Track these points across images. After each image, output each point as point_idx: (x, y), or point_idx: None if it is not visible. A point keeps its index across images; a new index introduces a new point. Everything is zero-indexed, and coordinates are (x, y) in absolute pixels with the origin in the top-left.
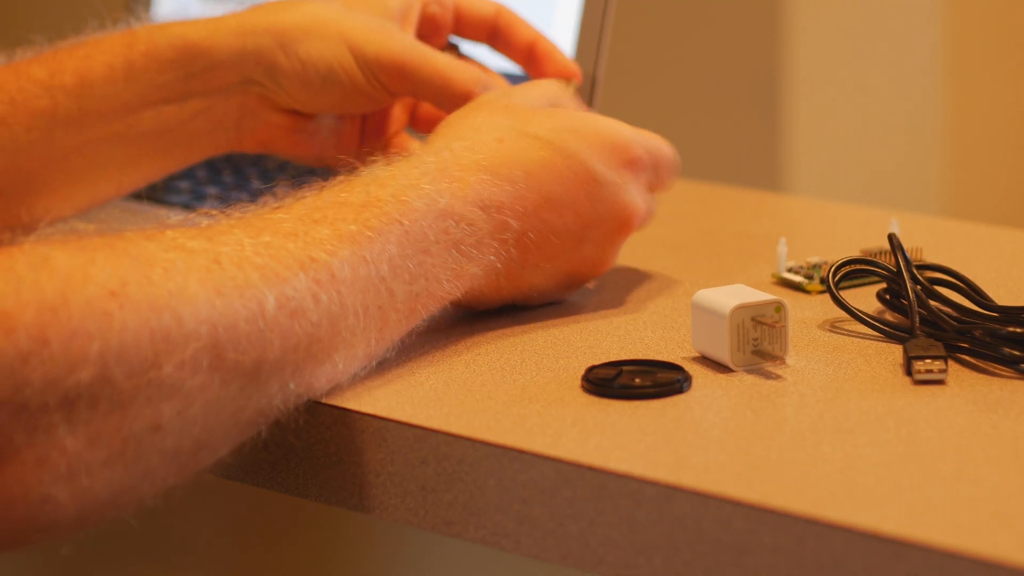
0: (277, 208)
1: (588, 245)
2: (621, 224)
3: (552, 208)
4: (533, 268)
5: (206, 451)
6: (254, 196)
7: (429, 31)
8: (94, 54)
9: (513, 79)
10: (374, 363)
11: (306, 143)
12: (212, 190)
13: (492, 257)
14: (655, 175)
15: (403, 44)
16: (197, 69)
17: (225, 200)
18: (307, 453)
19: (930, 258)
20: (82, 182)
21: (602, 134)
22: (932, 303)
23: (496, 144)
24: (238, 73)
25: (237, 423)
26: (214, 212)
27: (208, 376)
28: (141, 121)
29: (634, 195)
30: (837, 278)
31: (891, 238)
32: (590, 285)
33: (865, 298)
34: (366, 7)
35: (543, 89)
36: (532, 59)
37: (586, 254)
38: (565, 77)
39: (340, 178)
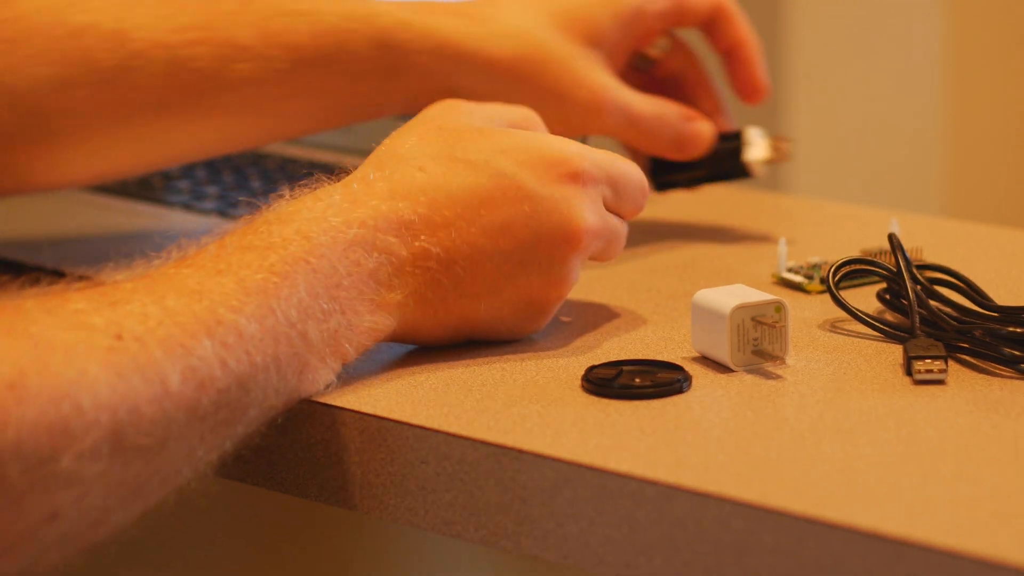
0: (181, 260)
1: (533, 268)
2: (566, 241)
3: (483, 233)
4: (474, 297)
5: (104, 528)
6: (254, 196)
7: (642, 39)
8: (312, 36)
9: None
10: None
11: None
12: (212, 190)
13: (419, 286)
14: (613, 193)
15: (610, 104)
16: (410, 76)
17: (225, 199)
18: (307, 453)
19: (930, 258)
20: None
21: (536, 150)
22: (932, 303)
23: (417, 172)
24: (447, 91)
25: (139, 497)
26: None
27: (109, 462)
28: (343, 100)
29: (579, 209)
30: (837, 278)
31: (891, 238)
32: (566, 319)
33: (865, 298)
34: (583, 34)
35: (506, 112)
36: (729, 60)
37: (533, 279)
38: (748, 91)
39: (244, 218)
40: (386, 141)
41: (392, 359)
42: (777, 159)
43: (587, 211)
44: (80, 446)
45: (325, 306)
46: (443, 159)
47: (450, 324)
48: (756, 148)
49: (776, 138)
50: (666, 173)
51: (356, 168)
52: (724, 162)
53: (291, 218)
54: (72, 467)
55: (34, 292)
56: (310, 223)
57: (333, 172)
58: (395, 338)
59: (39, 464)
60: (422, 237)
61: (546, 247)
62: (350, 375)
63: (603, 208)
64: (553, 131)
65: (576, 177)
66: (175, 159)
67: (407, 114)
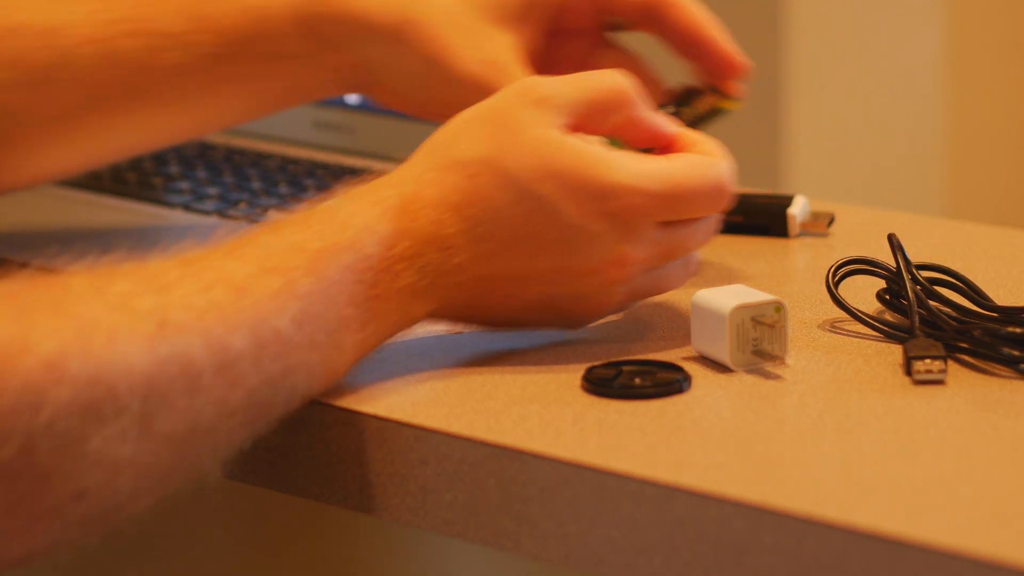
0: (232, 250)
1: (565, 291)
2: (600, 273)
3: (516, 254)
4: (500, 309)
5: (126, 512)
6: (254, 196)
7: (570, 22)
8: (236, 17)
9: None
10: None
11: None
12: (212, 190)
13: (450, 297)
14: (673, 212)
15: (498, 83)
16: (338, 54)
17: (225, 199)
18: (307, 453)
19: (930, 258)
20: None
21: (585, 180)
22: (932, 303)
23: (466, 181)
24: (357, 70)
25: (161, 485)
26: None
27: (137, 446)
28: (273, 84)
29: (616, 245)
30: (837, 278)
31: (891, 238)
32: (616, 316)
33: (865, 298)
34: (490, 10)
35: (591, 90)
36: (691, 49)
37: (564, 299)
38: (727, 74)
39: (299, 210)
40: (452, 127)
41: (392, 359)
42: (814, 229)
43: (628, 246)
44: (110, 430)
45: (363, 316)
46: (492, 169)
47: (477, 323)
48: (799, 211)
49: (819, 213)
50: None
51: (411, 157)
52: (766, 215)
53: (346, 224)
54: (100, 448)
55: (80, 269)
56: (364, 232)
57: (338, 175)
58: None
59: (68, 444)
60: (462, 253)
61: (579, 275)
62: (350, 376)
63: (654, 234)
64: (445, 106)
65: (621, 213)
66: (117, 154)
67: (333, 96)
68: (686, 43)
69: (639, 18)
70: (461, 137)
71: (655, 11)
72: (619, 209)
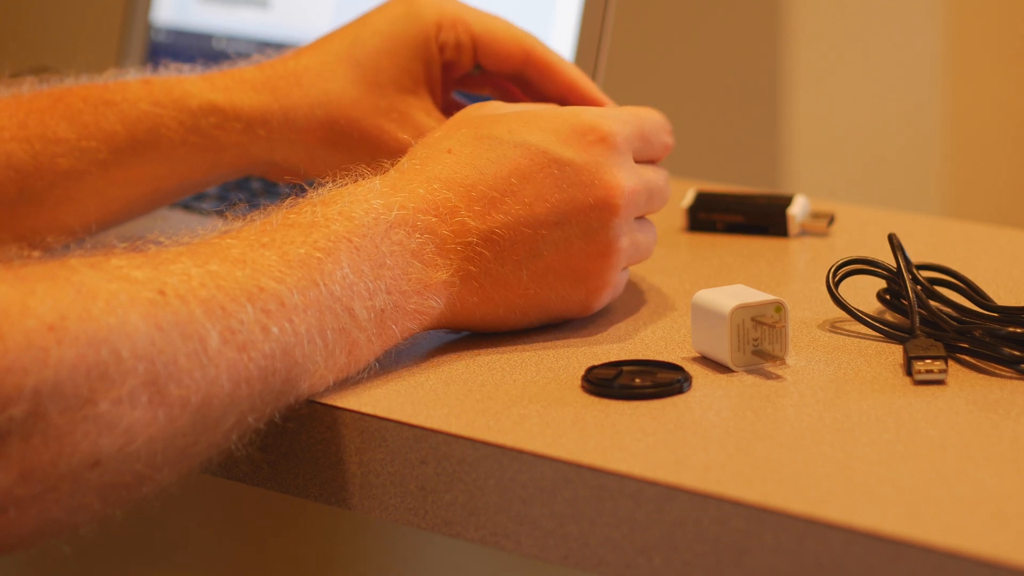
0: (226, 233)
1: (572, 231)
2: (600, 202)
3: (515, 200)
4: (516, 264)
5: (148, 483)
6: (254, 196)
7: (450, 75)
8: (126, 124)
9: None
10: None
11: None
12: (212, 190)
13: (462, 262)
14: (643, 143)
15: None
16: (226, 154)
17: (225, 199)
18: (307, 453)
19: (930, 258)
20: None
21: (560, 119)
22: (932, 303)
23: (446, 155)
24: (266, 163)
25: (185, 457)
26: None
27: (150, 412)
28: (165, 184)
29: (611, 171)
30: (837, 278)
31: (891, 238)
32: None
33: (865, 298)
34: (387, 82)
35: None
36: (565, 100)
37: (574, 243)
38: None
39: (289, 200)
40: (421, 139)
41: (392, 359)
42: (814, 229)
43: (620, 172)
44: (118, 391)
45: (370, 285)
46: (470, 140)
47: (498, 299)
48: (799, 211)
49: (819, 213)
50: (704, 212)
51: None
52: (766, 215)
53: (334, 200)
54: (110, 411)
55: (78, 253)
56: (353, 204)
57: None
58: (444, 323)
59: (78, 405)
60: (460, 212)
61: (581, 210)
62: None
63: (634, 166)
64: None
65: (605, 140)
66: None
67: (235, 179)
68: (559, 95)
69: (514, 71)
70: (433, 134)
71: (525, 72)
72: (603, 138)
